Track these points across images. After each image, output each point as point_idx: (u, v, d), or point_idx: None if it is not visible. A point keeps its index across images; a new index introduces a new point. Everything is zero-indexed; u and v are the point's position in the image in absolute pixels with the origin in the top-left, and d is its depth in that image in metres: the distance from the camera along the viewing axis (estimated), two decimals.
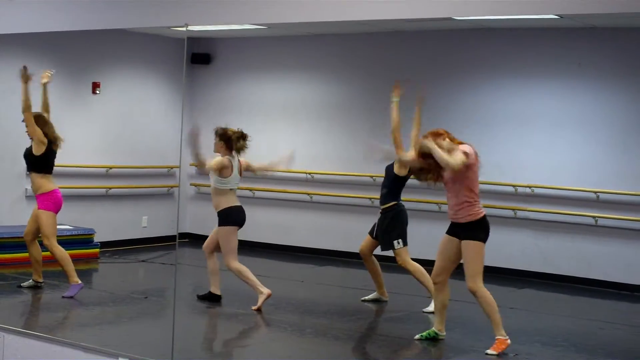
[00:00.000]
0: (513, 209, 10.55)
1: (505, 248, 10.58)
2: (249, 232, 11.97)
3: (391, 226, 8.35)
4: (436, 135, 6.94)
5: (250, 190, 11.99)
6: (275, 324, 7.73)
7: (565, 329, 8.21)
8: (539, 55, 10.44)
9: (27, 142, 8.61)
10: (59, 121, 11.08)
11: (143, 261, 10.93)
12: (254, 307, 8.08)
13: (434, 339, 7.16)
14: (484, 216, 6.95)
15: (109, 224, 11.53)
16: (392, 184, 8.38)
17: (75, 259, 8.43)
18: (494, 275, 10.45)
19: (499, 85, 10.83)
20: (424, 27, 10.64)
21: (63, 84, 11.25)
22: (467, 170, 6.82)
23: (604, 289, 9.99)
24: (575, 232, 10.33)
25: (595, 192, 10.14)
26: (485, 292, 6.86)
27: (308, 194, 11.87)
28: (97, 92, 11.61)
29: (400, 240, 8.32)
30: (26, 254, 8.70)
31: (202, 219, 12.34)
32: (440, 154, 6.73)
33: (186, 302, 8.31)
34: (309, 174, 11.76)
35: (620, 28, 9.85)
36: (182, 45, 10.11)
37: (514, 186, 10.53)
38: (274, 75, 12.28)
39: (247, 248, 11.42)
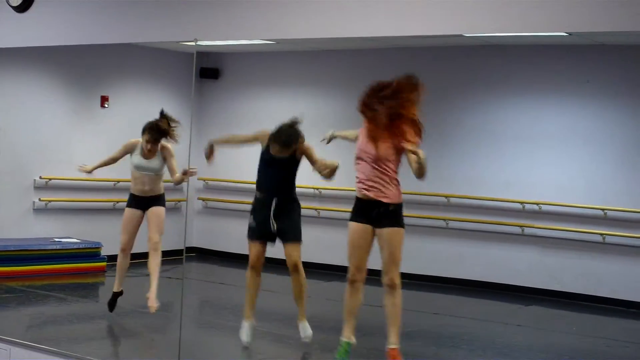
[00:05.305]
0: (520, 226, 10.52)
1: (512, 265, 10.56)
2: None
3: (299, 217, 7.58)
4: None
5: None
6: (282, 340, 7.70)
7: (572, 346, 8.18)
8: (548, 73, 10.44)
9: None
10: (67, 134, 11.23)
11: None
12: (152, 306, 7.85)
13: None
14: None
15: (116, 237, 11.46)
16: (294, 174, 7.68)
17: (82, 273, 8.40)
18: (500, 291, 10.45)
19: (507, 102, 10.82)
20: (433, 44, 10.65)
21: (72, 97, 11.28)
22: None
23: (612, 307, 9.95)
24: (583, 249, 10.30)
25: (603, 210, 10.11)
26: None
27: (316, 209, 11.85)
28: (106, 105, 11.63)
29: None
30: (32, 267, 8.66)
31: (209, 233, 12.34)
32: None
33: (193, 317, 8.30)
34: (317, 189, 11.75)
35: (629, 46, 9.85)
36: (191, 60, 10.08)
37: (521, 203, 10.51)
38: (282, 90, 12.29)
39: None
